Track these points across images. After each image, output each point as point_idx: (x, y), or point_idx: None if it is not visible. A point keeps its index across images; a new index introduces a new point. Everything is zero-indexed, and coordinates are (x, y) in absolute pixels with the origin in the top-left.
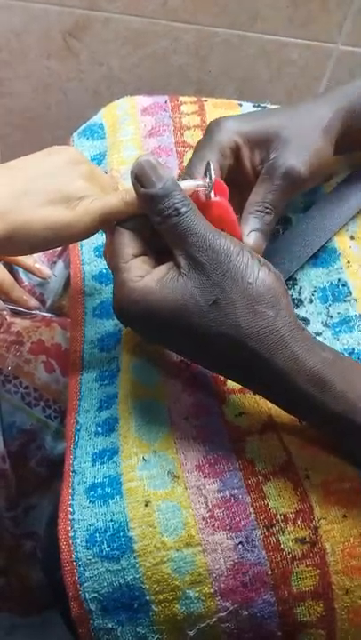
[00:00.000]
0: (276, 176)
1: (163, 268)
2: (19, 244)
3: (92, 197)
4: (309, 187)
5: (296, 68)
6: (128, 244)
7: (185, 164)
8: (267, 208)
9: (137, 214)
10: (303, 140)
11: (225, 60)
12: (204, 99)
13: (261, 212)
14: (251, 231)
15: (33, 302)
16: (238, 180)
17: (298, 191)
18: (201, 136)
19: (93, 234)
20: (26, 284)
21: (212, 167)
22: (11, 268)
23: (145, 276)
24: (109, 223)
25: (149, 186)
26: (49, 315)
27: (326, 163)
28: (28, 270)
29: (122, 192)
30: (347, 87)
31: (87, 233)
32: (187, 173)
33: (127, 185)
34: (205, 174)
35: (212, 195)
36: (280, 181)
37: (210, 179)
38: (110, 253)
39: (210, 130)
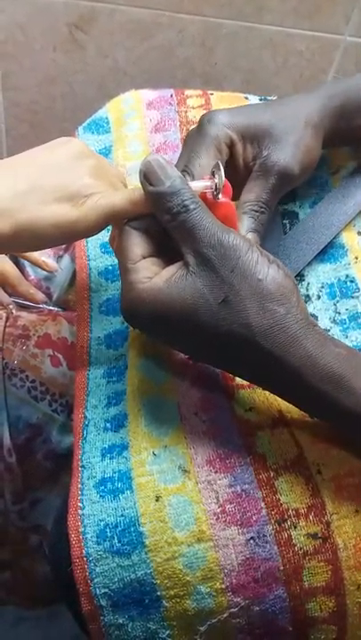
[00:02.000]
0: (270, 174)
1: (171, 269)
2: (24, 242)
3: (99, 195)
4: (299, 183)
5: (303, 60)
6: (137, 244)
7: None
8: (262, 207)
9: (145, 213)
10: (294, 137)
11: (231, 51)
12: (210, 92)
13: (256, 211)
14: (247, 231)
15: (39, 296)
16: (229, 176)
17: (289, 188)
18: None
19: (100, 231)
20: (32, 277)
21: (222, 168)
22: (17, 262)
23: (153, 277)
24: (116, 221)
25: (158, 184)
26: (55, 308)
27: (315, 159)
28: (34, 264)
29: (129, 190)
30: (338, 83)
31: (93, 231)
32: (183, 170)
33: (133, 181)
34: (213, 174)
35: (220, 195)
36: (274, 180)
37: (220, 179)
38: (118, 253)
39: (203, 124)
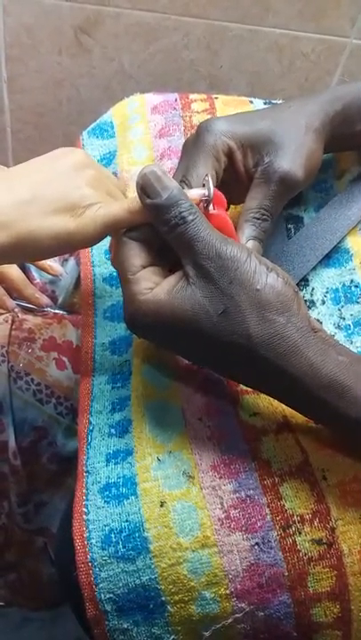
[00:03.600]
0: (272, 181)
1: (171, 279)
2: (23, 252)
3: (98, 205)
4: (302, 189)
5: (309, 62)
6: (135, 254)
7: None
8: (263, 215)
9: (144, 223)
10: (296, 143)
11: (237, 54)
12: (214, 96)
13: (258, 218)
14: (248, 240)
15: (44, 300)
16: (230, 184)
17: (292, 195)
18: None
19: (99, 241)
20: (37, 281)
21: (210, 180)
22: (22, 265)
23: (154, 287)
24: (115, 231)
25: (155, 196)
26: (60, 312)
27: (317, 164)
28: (39, 268)
29: (127, 201)
30: (339, 89)
31: (92, 241)
32: (180, 180)
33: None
34: (203, 186)
35: (211, 207)
36: (276, 186)
37: (208, 191)
38: (116, 264)
39: (200, 133)
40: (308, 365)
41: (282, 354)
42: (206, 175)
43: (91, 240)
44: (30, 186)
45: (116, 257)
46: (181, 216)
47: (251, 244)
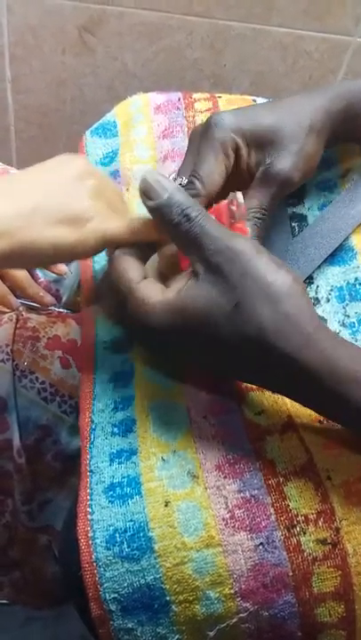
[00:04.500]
0: (272, 182)
1: (179, 281)
2: (24, 260)
3: (99, 219)
4: (295, 189)
5: (312, 61)
6: (135, 267)
7: None
8: (264, 214)
9: (141, 241)
10: (297, 145)
11: (240, 53)
12: (218, 95)
13: (259, 218)
14: (251, 237)
15: (49, 299)
16: (230, 179)
17: (286, 194)
18: None
19: (98, 253)
20: (42, 279)
21: (239, 196)
22: None
23: (161, 292)
24: (113, 246)
25: (156, 197)
26: (64, 311)
27: (315, 165)
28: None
29: (128, 220)
30: (344, 85)
31: (91, 253)
32: (190, 175)
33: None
34: (232, 202)
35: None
36: (275, 188)
37: (239, 209)
38: (115, 277)
39: (210, 127)
40: (324, 357)
41: (296, 344)
42: (235, 192)
43: (90, 252)
44: (33, 195)
45: (114, 271)
46: (185, 213)
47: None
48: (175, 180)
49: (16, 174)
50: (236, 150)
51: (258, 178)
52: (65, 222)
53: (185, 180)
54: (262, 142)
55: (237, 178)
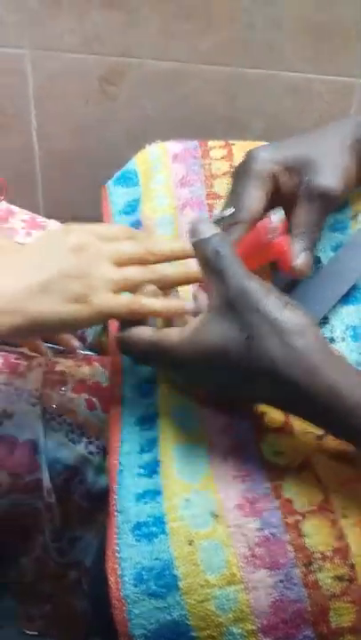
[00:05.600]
0: (313, 197)
1: (193, 321)
2: (34, 333)
3: (100, 294)
4: (342, 201)
5: (323, 103)
6: (144, 330)
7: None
8: (311, 228)
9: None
10: (332, 160)
11: (254, 97)
12: (231, 142)
13: (305, 232)
14: (301, 252)
15: (75, 343)
16: (278, 204)
17: (334, 207)
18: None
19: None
20: None
21: (280, 211)
22: None
23: (180, 331)
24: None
25: (198, 236)
26: (90, 353)
27: (353, 178)
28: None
29: (129, 300)
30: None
31: (93, 324)
32: (233, 205)
33: (159, 233)
34: (270, 218)
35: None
36: (318, 202)
37: (277, 222)
38: (135, 346)
39: (247, 161)
40: (333, 385)
41: (305, 373)
42: (274, 209)
43: (92, 324)
44: (40, 272)
45: (130, 342)
46: (216, 250)
47: (304, 255)
48: (223, 210)
49: (18, 250)
50: (277, 177)
51: (300, 196)
52: (72, 300)
53: (231, 210)
54: (299, 166)
55: (284, 203)
